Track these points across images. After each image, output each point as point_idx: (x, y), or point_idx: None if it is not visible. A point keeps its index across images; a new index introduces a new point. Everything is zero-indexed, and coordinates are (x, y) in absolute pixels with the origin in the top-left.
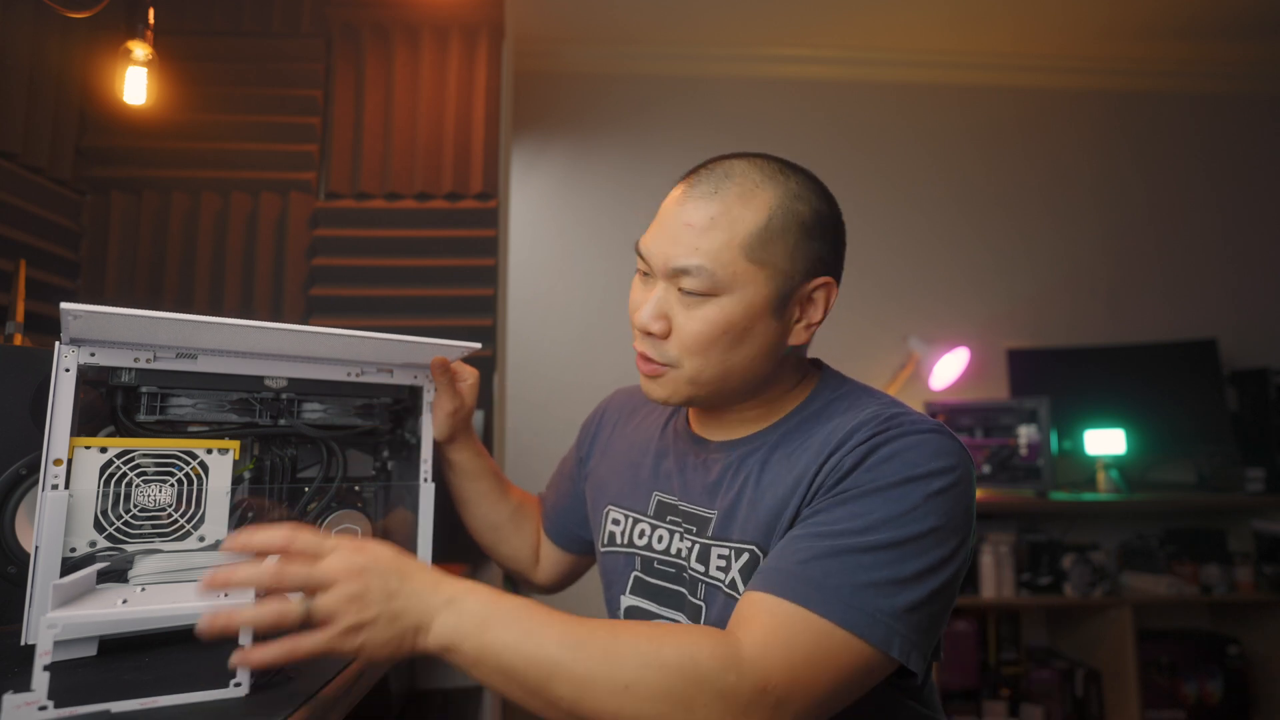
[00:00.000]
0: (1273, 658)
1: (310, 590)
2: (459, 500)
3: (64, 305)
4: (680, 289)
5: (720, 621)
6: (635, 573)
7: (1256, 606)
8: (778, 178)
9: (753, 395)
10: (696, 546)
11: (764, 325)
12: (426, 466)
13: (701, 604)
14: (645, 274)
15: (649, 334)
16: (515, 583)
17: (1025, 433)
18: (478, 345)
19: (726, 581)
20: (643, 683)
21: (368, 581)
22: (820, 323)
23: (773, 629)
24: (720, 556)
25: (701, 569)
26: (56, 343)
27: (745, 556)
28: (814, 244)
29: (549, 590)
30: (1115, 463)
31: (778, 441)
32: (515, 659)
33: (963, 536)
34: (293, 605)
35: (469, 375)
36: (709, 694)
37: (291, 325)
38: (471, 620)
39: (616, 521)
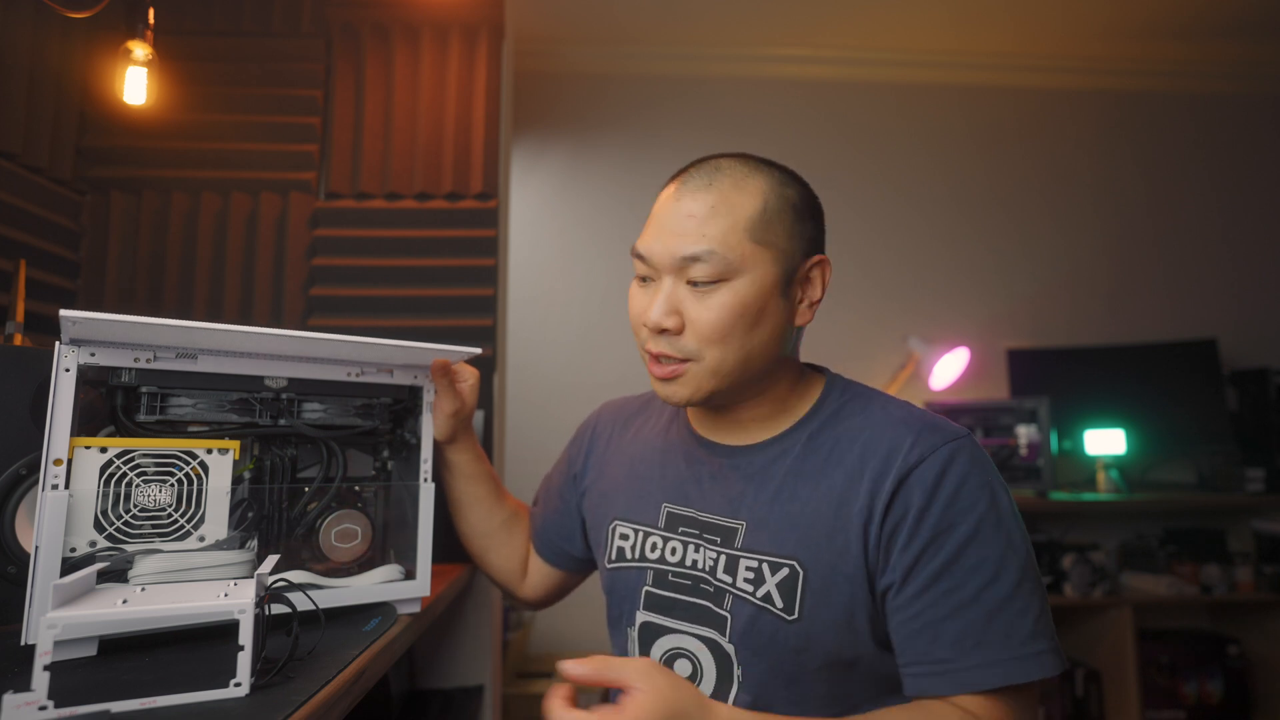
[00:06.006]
0: (1273, 658)
1: None
2: (454, 503)
3: (63, 313)
4: (690, 280)
5: (746, 633)
6: (646, 587)
7: (1256, 606)
8: (763, 168)
9: (761, 392)
10: (723, 557)
11: (774, 305)
12: (427, 467)
13: (728, 615)
14: (645, 278)
15: (663, 331)
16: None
17: (1025, 433)
18: (478, 350)
19: (759, 595)
20: None
21: None
22: (820, 301)
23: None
24: (749, 569)
25: (729, 579)
26: (56, 343)
27: (784, 571)
28: (805, 224)
29: (534, 606)
30: (1115, 463)
31: (803, 450)
32: None
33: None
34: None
35: (469, 376)
36: None
37: (292, 331)
38: None
39: (625, 536)
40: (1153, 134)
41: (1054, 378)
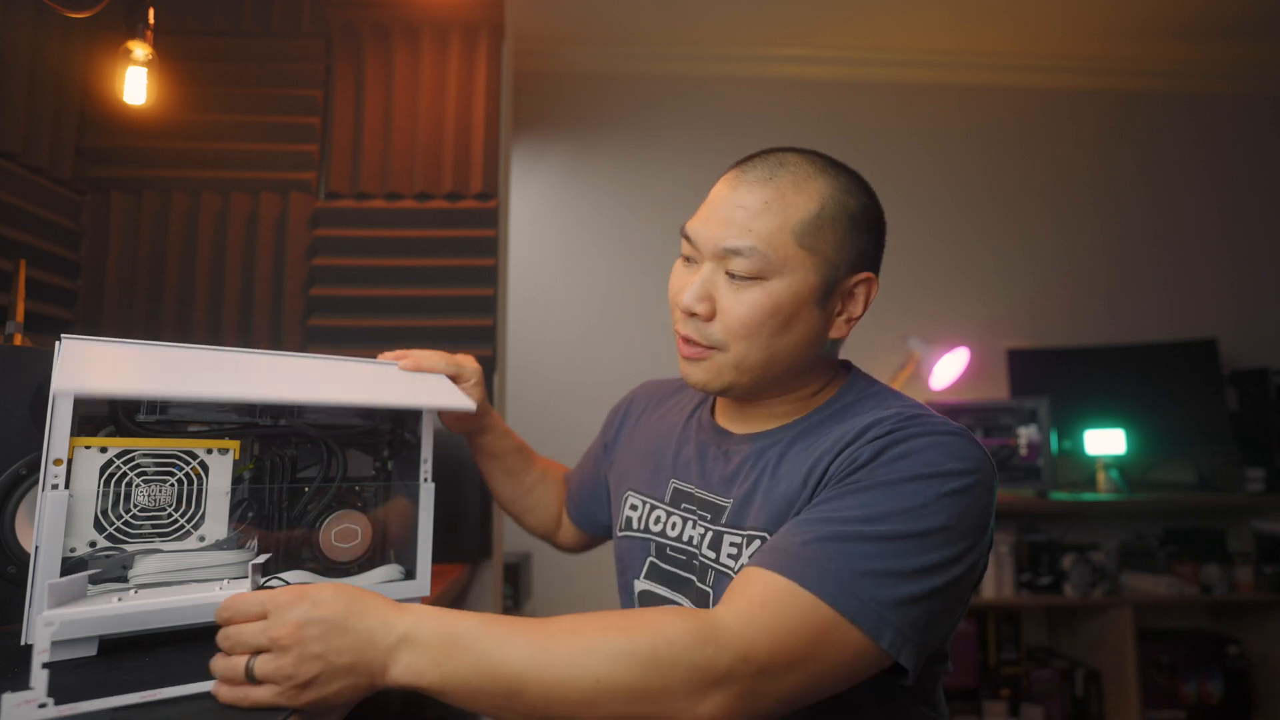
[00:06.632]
0: (1273, 658)
1: (255, 653)
2: (487, 477)
3: (62, 337)
4: (729, 271)
5: None
6: (650, 558)
7: (1256, 606)
8: (829, 171)
9: (785, 390)
10: (709, 534)
11: (808, 313)
12: (427, 467)
13: (709, 590)
14: (689, 259)
15: (693, 315)
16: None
17: (1025, 433)
18: (472, 407)
19: (736, 569)
20: (614, 673)
21: (307, 635)
22: (859, 318)
23: (763, 601)
24: (732, 544)
25: (712, 555)
26: (56, 343)
27: (756, 544)
28: (860, 237)
29: (572, 552)
30: (1115, 463)
31: (798, 435)
32: (480, 680)
33: (973, 541)
34: (238, 665)
35: (472, 375)
36: (684, 669)
37: (291, 352)
38: (429, 653)
39: (634, 507)
40: (1153, 134)
41: (1054, 378)
